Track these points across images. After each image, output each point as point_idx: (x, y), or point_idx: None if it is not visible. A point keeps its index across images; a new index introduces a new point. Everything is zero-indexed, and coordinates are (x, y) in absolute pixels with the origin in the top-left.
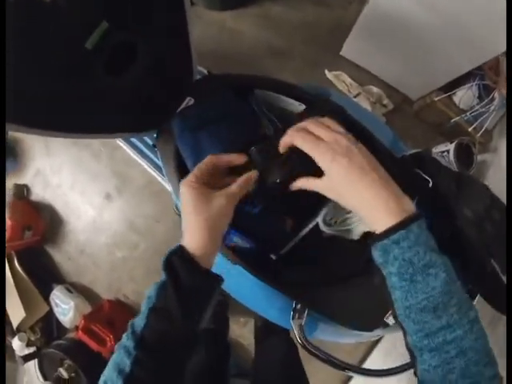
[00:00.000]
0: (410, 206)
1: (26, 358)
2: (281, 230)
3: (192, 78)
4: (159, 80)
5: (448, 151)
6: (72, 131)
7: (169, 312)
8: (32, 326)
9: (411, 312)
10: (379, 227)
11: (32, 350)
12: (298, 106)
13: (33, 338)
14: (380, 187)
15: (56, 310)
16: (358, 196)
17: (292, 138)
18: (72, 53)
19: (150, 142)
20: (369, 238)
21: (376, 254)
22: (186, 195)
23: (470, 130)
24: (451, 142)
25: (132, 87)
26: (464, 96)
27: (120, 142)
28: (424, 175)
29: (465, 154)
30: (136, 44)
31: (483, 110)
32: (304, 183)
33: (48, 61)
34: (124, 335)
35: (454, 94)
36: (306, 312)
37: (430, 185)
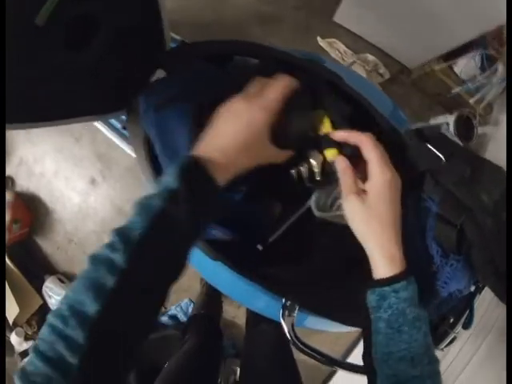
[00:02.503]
0: (405, 261)
1: (23, 355)
2: (269, 215)
3: (163, 48)
4: (125, 52)
5: (448, 123)
6: (35, 120)
7: (176, 219)
8: (28, 320)
9: (389, 359)
10: (380, 271)
11: (31, 343)
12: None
13: (30, 332)
14: (396, 233)
15: (50, 302)
16: (378, 224)
17: (362, 138)
18: (22, 32)
19: None
20: (367, 284)
21: (372, 297)
22: (260, 118)
23: (470, 101)
24: (451, 114)
25: (96, 63)
26: (465, 66)
27: (98, 125)
28: (436, 151)
29: (465, 126)
30: (96, 14)
31: (485, 81)
32: (344, 167)
33: None
34: (104, 246)
35: (454, 63)
36: (297, 309)
37: (443, 162)
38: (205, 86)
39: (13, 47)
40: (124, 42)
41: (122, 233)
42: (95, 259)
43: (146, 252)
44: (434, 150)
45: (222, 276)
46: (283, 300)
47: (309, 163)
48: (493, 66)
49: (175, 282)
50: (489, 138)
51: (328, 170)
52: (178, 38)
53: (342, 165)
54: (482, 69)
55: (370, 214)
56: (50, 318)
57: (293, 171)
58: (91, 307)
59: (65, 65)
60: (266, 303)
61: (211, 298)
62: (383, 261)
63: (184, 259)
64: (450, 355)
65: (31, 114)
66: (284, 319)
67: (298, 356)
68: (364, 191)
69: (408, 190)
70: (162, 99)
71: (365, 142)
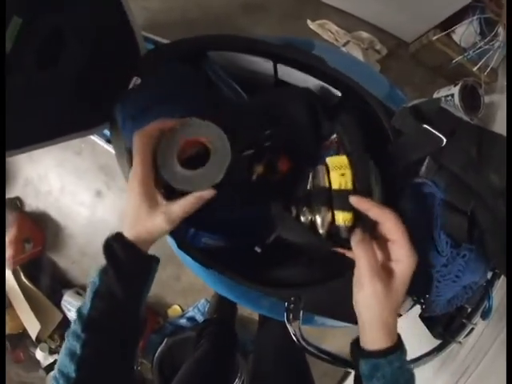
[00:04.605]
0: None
1: (48, 369)
2: (265, 215)
3: (138, 53)
4: (99, 64)
5: (452, 95)
6: (13, 147)
7: (112, 294)
8: (51, 335)
9: None
10: (374, 343)
11: (56, 357)
12: (264, 63)
13: (53, 346)
14: (396, 312)
15: (69, 315)
16: (383, 307)
17: (388, 216)
18: None
19: None
20: (359, 351)
21: (365, 367)
22: (133, 194)
23: (474, 69)
24: (455, 85)
25: (70, 79)
26: (464, 33)
27: (94, 138)
28: (435, 132)
29: (470, 96)
30: (63, 30)
31: (487, 46)
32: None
33: None
34: (72, 322)
35: (453, 31)
36: (302, 312)
37: (444, 143)
38: (180, 90)
39: None
40: (95, 54)
41: (79, 309)
42: (68, 332)
43: (95, 322)
44: (433, 131)
45: (221, 282)
46: (285, 304)
47: (313, 217)
48: (493, 30)
49: (139, 339)
50: (497, 106)
51: (334, 231)
52: (156, 38)
53: (359, 238)
54: (482, 34)
55: (389, 300)
56: (51, 381)
57: (292, 208)
58: (70, 369)
59: (37, 85)
60: (269, 306)
61: (224, 298)
62: (381, 336)
63: (134, 320)
64: (466, 346)
65: (10, 141)
66: (289, 322)
67: None
68: (387, 274)
69: (405, 177)
70: (136, 108)
71: (390, 221)
